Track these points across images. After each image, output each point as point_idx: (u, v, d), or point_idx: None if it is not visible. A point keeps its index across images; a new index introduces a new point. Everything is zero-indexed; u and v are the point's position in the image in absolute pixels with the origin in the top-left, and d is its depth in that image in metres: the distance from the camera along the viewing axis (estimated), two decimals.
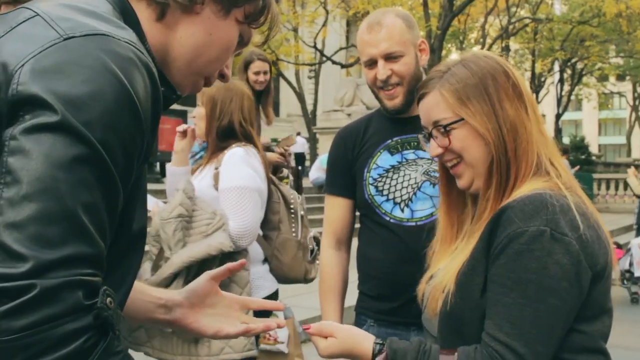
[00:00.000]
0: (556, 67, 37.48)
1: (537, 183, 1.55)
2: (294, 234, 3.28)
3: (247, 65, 4.66)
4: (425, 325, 1.74)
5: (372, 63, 2.44)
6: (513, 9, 32.32)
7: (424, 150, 2.26)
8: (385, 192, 2.44)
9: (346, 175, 2.55)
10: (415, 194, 2.40)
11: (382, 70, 2.40)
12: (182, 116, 14.69)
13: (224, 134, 3.11)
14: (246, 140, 3.12)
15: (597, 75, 40.46)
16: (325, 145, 19.47)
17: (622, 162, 33.00)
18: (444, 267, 1.65)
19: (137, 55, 1.05)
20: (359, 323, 2.54)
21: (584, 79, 40.25)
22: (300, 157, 25.98)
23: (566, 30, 32.90)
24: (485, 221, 1.56)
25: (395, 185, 2.43)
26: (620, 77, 47.00)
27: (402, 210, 2.41)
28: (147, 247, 3.02)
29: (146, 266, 2.91)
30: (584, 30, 32.57)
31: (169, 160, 3.47)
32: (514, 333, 1.43)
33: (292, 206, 3.32)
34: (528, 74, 36.54)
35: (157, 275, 2.75)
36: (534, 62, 35.33)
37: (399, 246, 2.41)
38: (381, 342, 1.56)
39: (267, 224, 3.20)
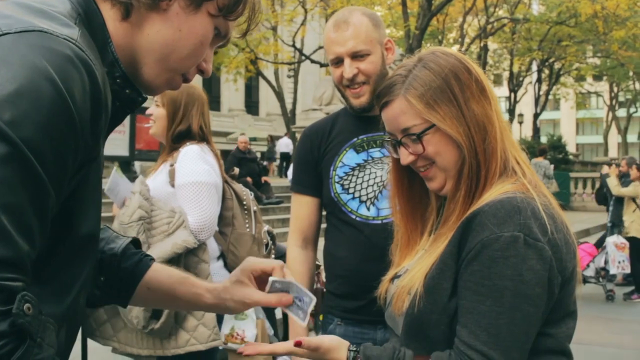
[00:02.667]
0: (534, 67, 37.78)
1: (505, 185, 1.54)
2: (247, 229, 3.35)
3: None
4: (389, 324, 1.72)
5: (338, 61, 2.45)
6: (491, 9, 32.51)
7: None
8: (351, 191, 2.44)
9: (312, 173, 2.55)
10: (381, 192, 2.40)
11: (349, 68, 2.41)
12: None
13: (181, 136, 3.18)
14: (202, 141, 3.21)
15: (575, 75, 40.79)
16: None
17: (599, 161, 33.32)
18: (411, 268, 1.63)
19: (76, 52, 1.02)
20: (325, 322, 2.54)
21: (562, 79, 40.59)
22: (285, 157, 26.28)
23: (544, 30, 33.15)
24: (455, 224, 1.54)
25: (361, 184, 2.43)
26: (597, 77, 47.44)
27: (368, 209, 2.41)
28: None
29: None
30: (561, 31, 32.84)
31: (146, 159, 3.50)
32: (491, 342, 1.42)
33: (244, 202, 3.39)
34: (506, 74, 36.78)
35: None
36: (512, 62, 35.58)
37: (364, 244, 2.41)
38: (355, 348, 1.54)
39: (221, 220, 3.26)
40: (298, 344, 1.53)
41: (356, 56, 2.41)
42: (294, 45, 28.80)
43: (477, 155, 1.55)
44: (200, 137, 3.20)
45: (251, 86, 44.96)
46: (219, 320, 3.18)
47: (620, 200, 10.91)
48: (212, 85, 42.35)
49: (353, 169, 2.46)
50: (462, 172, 1.57)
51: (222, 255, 3.27)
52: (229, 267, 3.30)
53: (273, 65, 29.94)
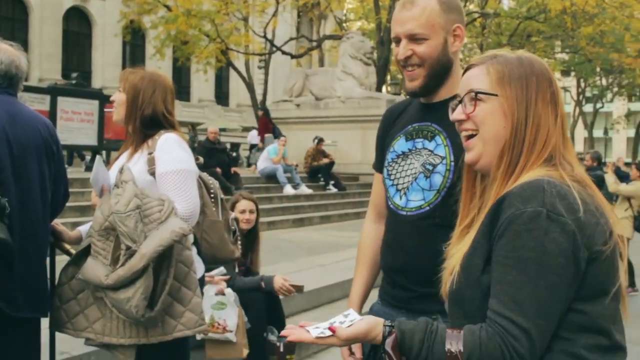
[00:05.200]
0: None
1: (540, 171, 1.63)
2: (217, 217, 3.40)
3: (233, 204, 5.03)
4: (446, 309, 1.80)
5: (397, 40, 2.39)
6: (462, 3, 32.64)
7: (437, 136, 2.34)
8: (392, 177, 2.45)
9: (384, 152, 2.56)
10: (412, 183, 2.38)
11: (402, 49, 2.35)
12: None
13: (149, 122, 3.16)
14: (171, 129, 3.20)
15: None
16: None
17: None
18: (455, 251, 1.75)
19: None
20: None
21: None
22: (253, 148, 26.26)
23: (513, 25, 33.42)
24: (490, 206, 1.65)
25: (400, 172, 2.43)
26: (565, 73, 47.96)
27: (400, 198, 2.40)
28: (85, 243, 3.00)
29: (93, 263, 2.86)
30: (530, 26, 33.15)
31: (115, 149, 3.49)
32: (517, 309, 1.52)
33: (212, 191, 3.42)
34: None
35: (128, 268, 2.72)
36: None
37: (390, 232, 2.46)
38: (390, 324, 1.63)
39: None
40: (333, 331, 1.65)
41: (413, 38, 2.34)
42: (265, 37, 28.70)
43: (523, 143, 1.66)
44: (169, 124, 3.20)
45: (221, 77, 44.65)
46: None
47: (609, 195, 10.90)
48: (182, 76, 42.03)
49: (398, 156, 2.45)
50: (504, 153, 1.67)
51: (195, 243, 3.27)
52: (202, 254, 3.32)
53: (244, 56, 29.77)
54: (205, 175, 3.46)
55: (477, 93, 1.70)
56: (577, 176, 1.64)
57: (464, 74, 1.79)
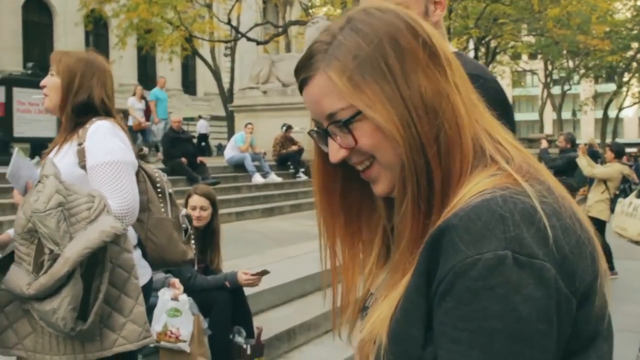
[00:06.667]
0: (471, 45, 37.98)
1: (480, 181, 1.09)
2: (165, 214, 3.03)
3: (186, 199, 4.78)
4: None
5: None
6: None
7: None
8: None
9: None
10: None
11: None
12: None
13: (81, 110, 2.82)
14: (107, 116, 2.86)
15: (511, 53, 41.20)
16: (240, 123, 19.10)
17: (535, 137, 33.79)
18: (371, 307, 1.21)
19: None
20: None
21: (498, 57, 40.93)
22: (203, 138, 26.90)
23: (480, 9, 33.31)
24: (412, 247, 1.12)
25: None
26: (533, 56, 48.14)
27: None
28: (10, 249, 2.62)
29: (17, 271, 2.48)
30: (497, 9, 33.06)
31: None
32: None
33: (158, 185, 3.05)
34: None
35: (50, 275, 2.35)
36: (449, 40, 35.64)
37: None
38: None
39: None
40: None
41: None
42: (229, 23, 28.28)
43: (425, 149, 1.11)
44: (105, 112, 2.86)
45: (188, 65, 44.21)
46: (148, 316, 2.81)
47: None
48: (147, 65, 41.46)
49: None
50: (404, 177, 1.13)
51: (139, 244, 2.92)
52: (148, 257, 2.96)
53: (209, 43, 29.37)
54: (150, 167, 3.08)
55: (344, 123, 1.14)
56: (523, 167, 1.10)
57: (300, 90, 1.21)
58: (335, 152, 1.19)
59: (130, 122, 17.09)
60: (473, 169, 1.10)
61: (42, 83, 2.87)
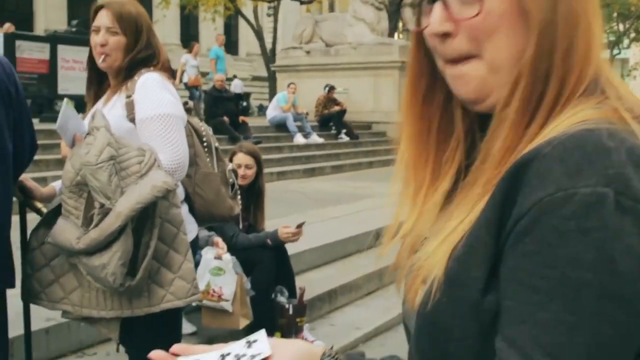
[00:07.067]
0: None
1: (584, 109, 0.88)
2: (212, 168, 2.97)
3: (231, 156, 4.72)
4: (405, 322, 1.07)
5: None
6: None
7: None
8: None
9: None
10: None
11: None
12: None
13: (138, 63, 2.73)
14: (154, 68, 2.77)
15: None
16: (283, 83, 19.00)
17: None
18: (430, 238, 0.99)
19: None
20: None
21: None
22: (239, 97, 26.83)
23: None
24: (496, 169, 0.90)
25: None
26: None
27: None
28: (56, 202, 2.59)
29: (65, 224, 2.44)
30: None
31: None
32: None
33: (204, 139, 2.99)
34: None
35: (101, 230, 2.31)
36: None
37: None
38: (334, 355, 0.96)
39: None
40: None
41: None
42: None
43: (554, 56, 0.91)
44: (161, 63, 2.78)
45: (230, 25, 44.00)
46: None
47: None
48: (190, 25, 41.39)
49: None
50: (522, 73, 0.91)
51: (187, 199, 2.87)
52: (195, 212, 2.92)
53: (252, 3, 29.19)
54: (196, 120, 3.02)
55: None
56: (634, 109, 0.89)
57: None
58: (439, 22, 0.94)
59: (185, 79, 17.19)
60: (580, 98, 0.91)
61: (102, 42, 2.72)
